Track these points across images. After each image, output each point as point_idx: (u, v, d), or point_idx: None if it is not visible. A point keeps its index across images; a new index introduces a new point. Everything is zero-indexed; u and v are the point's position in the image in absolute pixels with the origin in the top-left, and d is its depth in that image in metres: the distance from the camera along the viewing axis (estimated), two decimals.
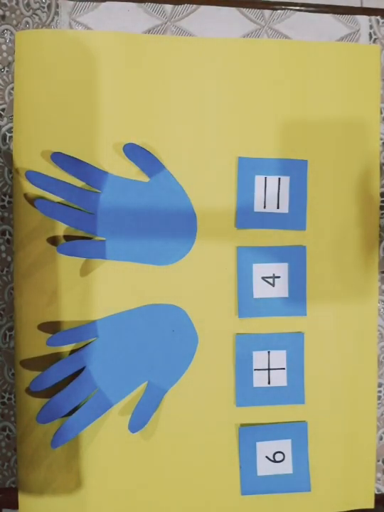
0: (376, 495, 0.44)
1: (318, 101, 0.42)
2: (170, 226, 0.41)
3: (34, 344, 0.40)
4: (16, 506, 0.41)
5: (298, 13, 0.42)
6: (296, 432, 0.42)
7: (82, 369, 0.40)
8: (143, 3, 0.41)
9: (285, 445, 0.42)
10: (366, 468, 0.43)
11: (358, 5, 0.44)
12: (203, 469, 0.42)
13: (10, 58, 0.41)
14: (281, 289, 0.42)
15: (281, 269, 0.42)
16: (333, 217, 0.43)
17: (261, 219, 0.42)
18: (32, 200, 0.39)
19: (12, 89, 0.41)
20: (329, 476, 0.43)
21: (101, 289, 0.40)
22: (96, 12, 0.41)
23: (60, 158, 0.39)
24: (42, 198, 0.39)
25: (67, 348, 0.40)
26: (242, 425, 0.42)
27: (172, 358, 0.41)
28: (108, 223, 0.40)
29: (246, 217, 0.42)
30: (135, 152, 0.40)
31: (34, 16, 0.41)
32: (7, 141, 0.41)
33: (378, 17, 0.43)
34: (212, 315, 0.41)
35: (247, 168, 0.41)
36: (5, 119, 0.41)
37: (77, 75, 0.40)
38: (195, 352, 0.41)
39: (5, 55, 0.41)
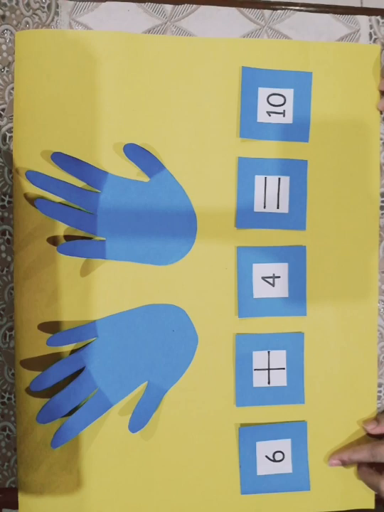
0: (376, 495, 0.43)
1: (318, 101, 0.42)
2: (170, 226, 0.41)
3: (34, 344, 0.40)
4: (16, 506, 0.41)
5: (298, 13, 0.42)
6: (296, 431, 0.42)
7: (82, 369, 0.40)
8: (143, 3, 0.41)
9: (285, 445, 0.42)
10: None
11: (358, 5, 0.44)
12: (203, 469, 0.42)
13: (10, 58, 0.41)
14: (281, 289, 0.42)
15: (281, 269, 0.42)
16: (333, 217, 0.43)
17: (261, 219, 0.42)
18: (32, 200, 0.39)
19: (12, 89, 0.41)
20: (329, 476, 0.43)
21: (101, 289, 0.40)
22: (96, 12, 0.41)
23: (60, 158, 0.39)
24: (42, 198, 0.39)
25: (67, 348, 0.40)
26: (242, 425, 0.42)
27: (172, 358, 0.41)
28: (108, 223, 0.40)
29: (246, 217, 0.42)
30: (135, 152, 0.40)
31: (34, 15, 0.40)
32: (7, 141, 0.41)
33: (378, 17, 0.43)
34: (212, 315, 0.41)
35: (247, 168, 0.41)
36: (5, 119, 0.41)
37: (77, 74, 0.40)
38: (195, 352, 0.41)
39: (5, 55, 0.41)
